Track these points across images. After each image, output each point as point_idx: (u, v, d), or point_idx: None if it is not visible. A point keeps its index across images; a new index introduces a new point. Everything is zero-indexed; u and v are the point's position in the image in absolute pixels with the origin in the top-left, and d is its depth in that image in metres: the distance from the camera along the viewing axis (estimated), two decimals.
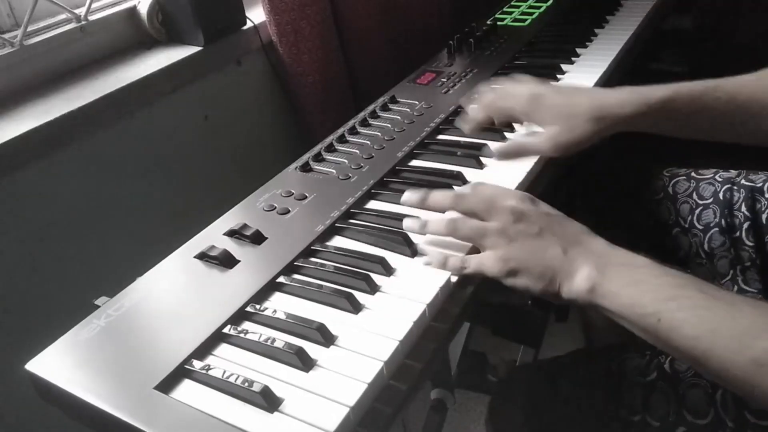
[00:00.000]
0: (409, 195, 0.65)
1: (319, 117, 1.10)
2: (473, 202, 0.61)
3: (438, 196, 0.63)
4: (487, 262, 0.58)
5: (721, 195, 0.80)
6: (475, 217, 0.60)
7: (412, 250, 0.61)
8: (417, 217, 0.63)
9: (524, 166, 0.72)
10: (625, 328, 0.54)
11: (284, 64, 1.05)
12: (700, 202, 0.82)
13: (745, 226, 0.76)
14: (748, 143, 0.70)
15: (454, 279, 0.58)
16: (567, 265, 0.56)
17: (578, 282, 0.55)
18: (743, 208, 0.77)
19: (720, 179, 0.82)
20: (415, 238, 0.62)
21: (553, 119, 0.71)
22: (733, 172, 0.82)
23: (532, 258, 0.57)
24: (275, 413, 0.46)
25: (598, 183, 0.96)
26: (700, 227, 0.80)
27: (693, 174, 0.86)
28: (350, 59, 1.15)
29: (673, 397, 0.62)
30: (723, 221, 0.78)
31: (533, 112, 0.73)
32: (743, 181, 0.79)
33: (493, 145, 0.75)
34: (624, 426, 0.64)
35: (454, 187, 0.70)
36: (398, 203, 0.68)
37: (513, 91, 0.76)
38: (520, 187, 0.70)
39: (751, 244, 0.75)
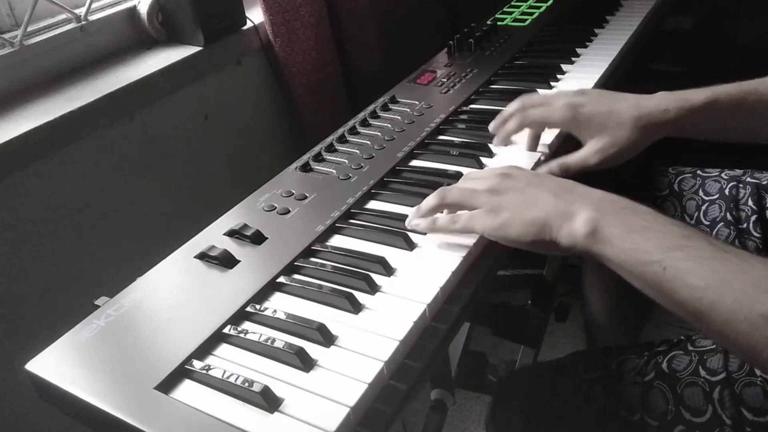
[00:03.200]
0: (415, 223, 0.63)
1: (315, 117, 1.10)
2: (459, 189, 0.62)
3: (427, 199, 0.63)
4: (477, 216, 0.57)
5: (727, 191, 0.80)
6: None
7: (412, 250, 0.61)
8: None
9: (528, 163, 0.73)
10: (625, 331, 0.54)
11: (280, 65, 1.06)
12: (706, 198, 0.82)
13: (753, 218, 0.76)
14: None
15: (454, 279, 0.58)
16: (562, 209, 0.54)
17: (577, 225, 0.52)
18: (750, 203, 0.77)
19: (726, 177, 0.82)
20: (415, 238, 0.62)
21: (598, 131, 0.69)
22: (738, 171, 0.82)
23: (521, 206, 0.55)
24: (275, 413, 0.46)
25: (603, 180, 0.96)
26: (707, 223, 0.80)
27: (699, 172, 0.86)
28: (347, 60, 1.15)
29: (671, 396, 0.63)
30: (729, 215, 0.78)
31: (573, 123, 0.71)
32: (749, 179, 0.80)
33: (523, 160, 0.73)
34: (623, 425, 0.65)
35: None
36: (398, 203, 0.68)
37: (549, 101, 0.73)
38: None
39: (758, 235, 0.75)
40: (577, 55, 0.99)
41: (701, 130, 0.70)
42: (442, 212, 0.62)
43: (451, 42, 1.04)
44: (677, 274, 0.47)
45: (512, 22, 1.15)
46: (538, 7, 1.21)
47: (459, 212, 0.59)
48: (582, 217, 0.52)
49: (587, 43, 1.04)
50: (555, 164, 0.70)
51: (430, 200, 0.61)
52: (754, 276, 0.45)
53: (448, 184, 0.69)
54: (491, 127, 0.77)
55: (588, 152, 0.70)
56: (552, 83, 0.91)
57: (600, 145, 0.69)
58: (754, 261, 0.46)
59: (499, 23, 1.14)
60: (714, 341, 0.61)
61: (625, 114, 0.68)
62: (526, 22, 1.14)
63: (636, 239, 0.50)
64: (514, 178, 0.59)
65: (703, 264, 0.47)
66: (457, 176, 0.71)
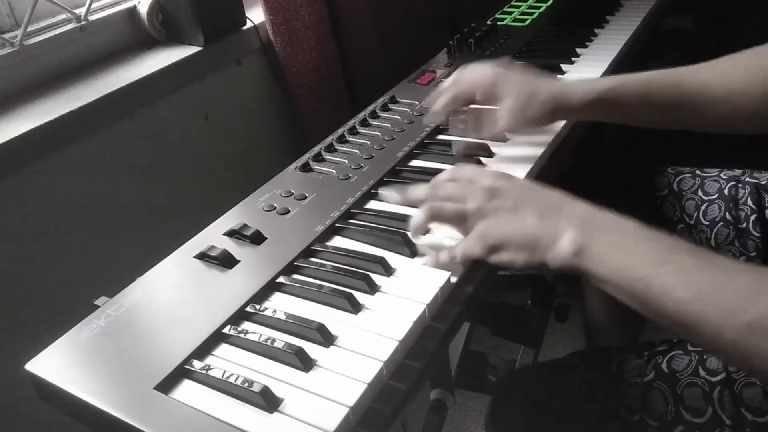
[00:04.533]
0: (388, 193, 0.65)
1: (316, 117, 1.10)
2: (449, 188, 0.61)
3: (415, 189, 0.63)
4: (469, 243, 0.57)
5: (726, 191, 0.80)
6: (453, 201, 0.60)
7: (411, 251, 0.61)
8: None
9: (527, 163, 0.73)
10: (624, 332, 0.54)
11: (281, 65, 1.06)
12: (706, 198, 0.82)
13: (752, 218, 0.76)
14: (695, 129, 0.72)
15: (454, 279, 0.58)
16: (549, 230, 0.54)
17: (563, 246, 0.53)
18: (749, 202, 0.77)
19: (725, 177, 0.82)
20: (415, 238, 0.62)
21: (514, 93, 0.72)
22: (737, 171, 0.83)
23: (509, 231, 0.56)
24: (275, 413, 0.46)
25: (602, 179, 0.96)
26: (706, 223, 0.81)
27: (698, 172, 0.86)
28: (347, 60, 1.15)
29: (670, 397, 0.63)
30: (728, 214, 0.78)
31: (496, 85, 0.74)
32: (748, 179, 0.80)
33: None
34: (623, 425, 0.65)
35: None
36: (398, 203, 0.68)
37: (478, 69, 0.77)
38: None
39: (757, 234, 0.75)
40: (577, 55, 0.99)
41: (610, 115, 0.74)
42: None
43: (451, 42, 1.04)
44: (663, 288, 0.48)
45: (512, 22, 1.15)
46: (538, 7, 1.21)
47: (453, 246, 0.59)
48: (567, 237, 0.53)
49: (587, 43, 1.04)
50: (473, 119, 0.76)
51: (421, 217, 0.61)
52: (738, 286, 0.46)
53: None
54: (426, 102, 0.82)
55: (500, 114, 0.73)
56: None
57: (511, 104, 0.72)
58: (738, 270, 0.47)
59: (499, 23, 1.14)
60: (706, 351, 0.61)
61: (544, 87, 0.73)
62: (526, 22, 1.14)
63: (621, 256, 0.51)
64: (502, 195, 0.58)
65: (688, 277, 0.47)
66: None
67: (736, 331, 0.44)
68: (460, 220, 0.59)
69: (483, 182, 0.60)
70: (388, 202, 0.65)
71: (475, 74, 0.76)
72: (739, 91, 0.67)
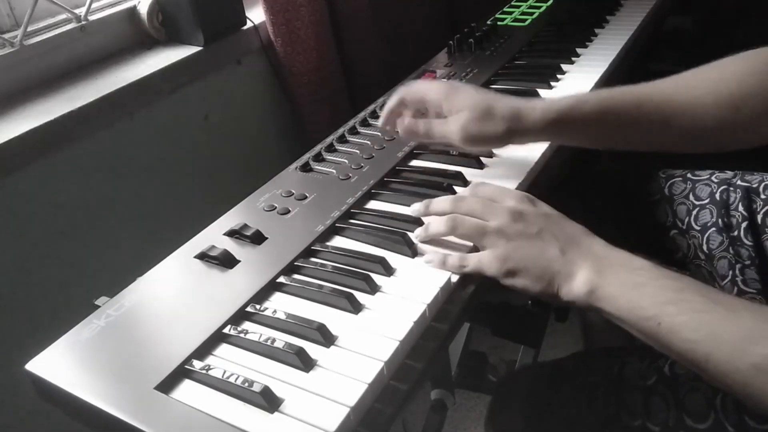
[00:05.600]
0: (415, 206, 0.65)
1: (316, 117, 1.10)
2: (472, 203, 0.61)
3: (439, 201, 0.64)
4: (486, 261, 0.58)
5: (717, 195, 0.79)
6: (475, 217, 0.60)
7: (412, 251, 0.61)
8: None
9: (524, 167, 0.72)
10: (624, 332, 0.54)
11: (281, 65, 1.05)
12: (697, 203, 0.82)
13: (744, 225, 0.76)
14: (661, 149, 0.69)
15: (454, 279, 0.58)
16: (566, 267, 0.56)
17: (577, 285, 0.55)
18: (740, 208, 0.77)
19: (716, 180, 0.82)
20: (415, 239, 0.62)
21: (467, 106, 0.67)
22: (728, 173, 0.82)
23: (530, 259, 0.57)
24: (275, 413, 0.46)
25: (596, 184, 0.96)
26: (698, 228, 0.80)
27: (689, 175, 0.86)
28: (347, 60, 1.15)
29: (672, 402, 0.62)
30: (720, 221, 0.78)
31: (447, 98, 0.69)
32: (739, 182, 0.79)
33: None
34: (624, 430, 0.64)
35: (455, 188, 0.70)
36: (398, 203, 0.68)
37: (430, 83, 0.75)
38: (519, 187, 0.70)
39: (750, 243, 0.75)
40: (577, 55, 0.99)
41: (569, 136, 0.70)
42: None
43: (451, 42, 1.04)
44: (672, 328, 0.49)
45: (512, 22, 1.15)
46: (538, 7, 1.21)
47: (467, 255, 0.59)
48: (581, 277, 0.55)
49: (587, 43, 1.04)
50: (422, 125, 0.70)
51: (441, 227, 0.61)
52: (743, 327, 0.47)
53: (448, 185, 0.69)
54: (381, 122, 0.75)
55: (451, 125, 0.68)
56: (552, 83, 0.91)
57: (465, 118, 0.67)
58: (744, 311, 0.48)
59: (499, 23, 1.14)
60: (716, 387, 0.61)
61: (501, 104, 0.67)
62: (526, 22, 1.14)
63: (632, 296, 0.52)
64: (526, 220, 0.59)
65: (695, 318, 0.49)
66: (457, 176, 0.71)
67: (741, 372, 0.46)
68: (480, 236, 0.59)
69: (507, 203, 0.60)
70: (416, 215, 0.64)
71: (425, 84, 0.73)
72: (702, 104, 0.65)
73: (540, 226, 0.58)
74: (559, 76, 0.94)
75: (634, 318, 0.52)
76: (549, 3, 1.22)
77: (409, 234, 0.62)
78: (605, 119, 0.67)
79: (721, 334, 0.47)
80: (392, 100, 0.74)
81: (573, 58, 0.98)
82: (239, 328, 0.53)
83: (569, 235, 0.58)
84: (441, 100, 0.70)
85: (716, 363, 0.47)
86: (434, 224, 0.62)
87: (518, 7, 1.22)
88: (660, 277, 0.53)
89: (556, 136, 0.70)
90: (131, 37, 0.99)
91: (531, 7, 1.22)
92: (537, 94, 0.87)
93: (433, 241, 0.62)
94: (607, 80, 0.93)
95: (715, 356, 0.47)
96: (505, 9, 1.22)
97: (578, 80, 0.92)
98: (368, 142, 0.79)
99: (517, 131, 0.67)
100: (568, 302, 0.56)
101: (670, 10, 1.24)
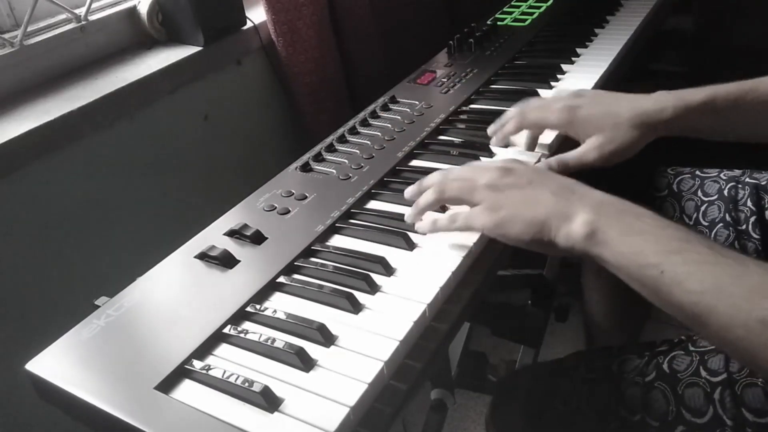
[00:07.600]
0: (408, 189, 0.65)
1: (316, 117, 1.10)
2: (461, 170, 0.61)
3: (429, 176, 0.63)
4: (476, 214, 0.57)
5: (726, 192, 0.80)
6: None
7: (412, 250, 0.61)
8: None
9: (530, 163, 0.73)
10: (624, 332, 0.54)
11: (282, 65, 1.06)
12: (705, 199, 0.82)
13: (752, 220, 0.76)
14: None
15: (454, 279, 0.58)
16: (562, 209, 0.53)
17: (575, 227, 0.52)
18: (749, 203, 0.77)
19: (725, 177, 0.82)
20: (415, 238, 0.62)
21: (595, 130, 0.69)
22: (737, 171, 0.82)
23: (522, 204, 0.55)
24: (275, 413, 0.46)
25: (602, 180, 0.96)
26: (706, 224, 0.80)
27: (697, 172, 0.86)
28: (348, 60, 1.15)
29: (671, 397, 0.62)
30: (728, 215, 0.78)
31: (570, 125, 0.71)
32: (747, 179, 0.79)
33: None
34: (623, 426, 0.64)
35: None
36: (398, 203, 0.68)
37: (547, 104, 0.74)
38: None
39: (757, 236, 0.75)
40: (577, 55, 0.99)
41: (700, 129, 0.69)
42: (440, 207, 0.62)
43: (451, 42, 1.04)
44: (675, 278, 0.47)
45: (512, 22, 1.15)
46: (538, 7, 1.21)
47: (457, 210, 0.59)
48: (581, 219, 0.52)
49: (587, 43, 1.04)
50: (554, 160, 0.70)
51: (429, 196, 0.61)
52: (751, 281, 0.45)
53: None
54: (490, 130, 0.76)
55: (586, 149, 0.69)
56: (552, 83, 0.91)
57: (597, 143, 0.69)
58: (753, 266, 0.46)
59: (499, 23, 1.14)
60: (712, 344, 0.61)
61: (622, 114, 0.68)
62: (526, 22, 1.14)
63: (634, 242, 0.50)
64: (516, 174, 0.58)
65: (701, 268, 0.47)
66: None
67: (745, 326, 0.44)
68: (470, 193, 0.58)
69: (496, 164, 0.60)
70: (410, 198, 0.64)
71: (545, 111, 0.72)
72: None
73: (530, 177, 0.57)
74: (559, 76, 0.94)
75: (634, 266, 0.49)
76: (549, 3, 1.23)
77: (409, 234, 0.62)
78: (740, 110, 0.67)
79: (727, 286, 0.45)
80: (509, 126, 0.73)
81: (573, 58, 0.98)
82: (239, 328, 0.53)
83: (563, 183, 0.57)
84: (564, 128, 0.71)
85: (720, 316, 0.45)
86: (423, 196, 0.61)
87: (518, 7, 1.22)
88: (665, 227, 0.50)
89: (683, 130, 0.69)
90: (131, 37, 0.99)
91: (531, 7, 1.22)
92: (537, 94, 0.87)
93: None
94: (607, 80, 0.93)
95: (718, 309, 0.45)
96: (505, 9, 1.22)
97: (578, 80, 0.92)
98: (368, 142, 0.79)
99: (648, 134, 0.68)
100: (564, 249, 0.53)
101: (670, 10, 1.24)
